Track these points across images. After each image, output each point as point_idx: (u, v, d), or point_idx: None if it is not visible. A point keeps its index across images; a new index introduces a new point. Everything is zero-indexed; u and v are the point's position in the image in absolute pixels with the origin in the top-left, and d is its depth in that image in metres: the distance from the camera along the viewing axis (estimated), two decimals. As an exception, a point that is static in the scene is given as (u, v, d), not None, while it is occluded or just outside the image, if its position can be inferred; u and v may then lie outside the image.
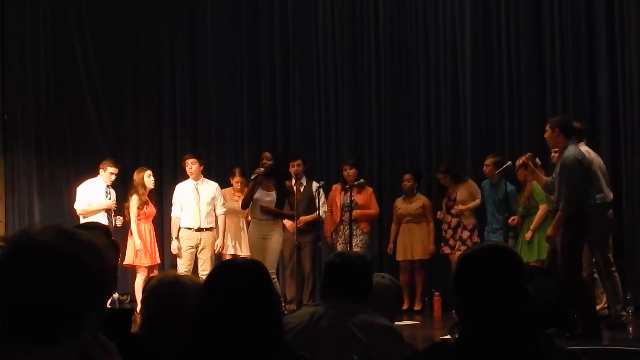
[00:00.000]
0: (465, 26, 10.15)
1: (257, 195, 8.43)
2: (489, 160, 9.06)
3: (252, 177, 8.56)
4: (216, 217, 9.32)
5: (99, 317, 1.50)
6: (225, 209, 9.31)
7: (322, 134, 10.92)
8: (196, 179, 9.35)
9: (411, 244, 9.61)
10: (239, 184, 9.57)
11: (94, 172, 9.58)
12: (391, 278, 3.89)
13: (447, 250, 9.35)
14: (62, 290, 1.43)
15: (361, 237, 9.41)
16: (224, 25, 11.56)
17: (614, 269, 7.73)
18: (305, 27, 11.10)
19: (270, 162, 8.33)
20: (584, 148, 7.61)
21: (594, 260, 7.72)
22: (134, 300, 9.49)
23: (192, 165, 9.32)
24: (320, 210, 9.35)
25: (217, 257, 9.45)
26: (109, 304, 7.91)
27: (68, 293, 1.43)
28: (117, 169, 9.51)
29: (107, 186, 9.47)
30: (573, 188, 6.95)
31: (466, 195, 9.29)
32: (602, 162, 7.81)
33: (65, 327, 1.44)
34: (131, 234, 9.30)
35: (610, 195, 7.76)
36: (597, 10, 9.43)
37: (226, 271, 2.61)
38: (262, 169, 8.36)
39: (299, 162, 9.57)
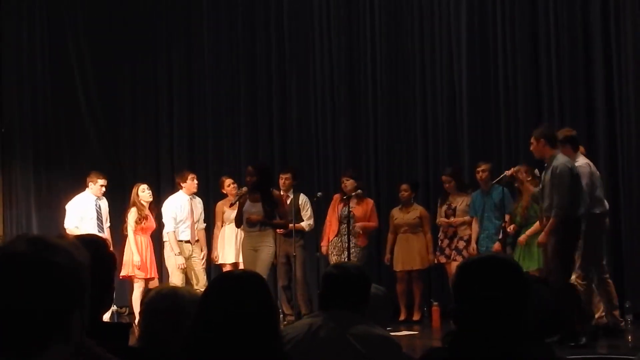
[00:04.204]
0: (461, 36, 10.17)
1: (244, 207, 8.43)
2: (484, 167, 9.06)
3: (236, 198, 8.59)
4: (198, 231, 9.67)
5: (83, 317, 1.51)
6: (204, 224, 9.72)
7: (319, 145, 10.91)
8: (192, 194, 9.56)
9: (409, 254, 9.57)
10: (232, 187, 9.72)
11: (85, 187, 9.59)
12: (375, 286, 3.87)
13: (442, 259, 9.33)
14: (42, 296, 1.44)
15: (355, 249, 9.29)
16: (221, 37, 11.57)
17: (607, 276, 7.75)
18: (301, 38, 11.11)
19: (253, 178, 8.33)
20: (584, 161, 7.64)
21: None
22: (132, 313, 9.48)
23: (196, 181, 9.61)
24: (305, 222, 9.42)
25: (217, 268, 9.48)
26: (108, 317, 7.93)
27: (48, 298, 1.45)
28: (105, 180, 9.57)
29: (97, 198, 9.48)
30: (564, 195, 6.98)
31: (465, 207, 9.29)
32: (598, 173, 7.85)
33: (51, 332, 1.45)
34: (129, 247, 9.33)
35: (607, 205, 7.80)
36: (592, 18, 9.46)
37: (225, 282, 2.61)
38: (244, 189, 8.40)
39: (288, 175, 9.60)
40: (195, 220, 9.50)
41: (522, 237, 8.45)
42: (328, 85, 10.93)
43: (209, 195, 10.80)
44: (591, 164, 7.73)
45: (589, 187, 7.55)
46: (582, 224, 7.38)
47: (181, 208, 9.43)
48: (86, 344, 1.60)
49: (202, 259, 9.52)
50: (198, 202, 9.67)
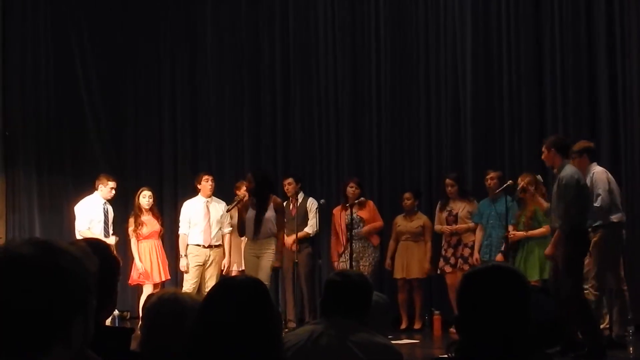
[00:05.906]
0: (466, 45, 10.18)
1: (247, 215, 8.46)
2: (493, 174, 9.04)
3: (234, 204, 8.57)
4: (222, 235, 9.49)
5: (86, 323, 1.51)
6: (230, 228, 9.44)
7: (323, 152, 10.91)
8: (209, 196, 9.46)
9: (408, 262, 9.57)
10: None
11: (93, 190, 9.59)
12: (377, 293, 3.87)
13: (448, 269, 9.31)
14: (46, 299, 1.45)
15: (373, 255, 9.41)
16: (224, 40, 11.58)
17: (625, 287, 7.73)
18: (305, 43, 11.12)
19: (251, 186, 8.36)
20: (600, 168, 7.65)
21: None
22: (137, 317, 9.48)
23: (212, 183, 9.49)
24: (308, 228, 9.45)
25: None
26: (109, 321, 7.91)
27: (51, 301, 1.45)
28: (115, 182, 9.57)
29: (105, 202, 9.47)
30: (570, 207, 6.96)
31: (466, 213, 9.28)
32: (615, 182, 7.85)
33: (53, 336, 1.45)
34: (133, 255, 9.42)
35: (624, 216, 7.79)
36: (597, 29, 9.46)
37: (226, 288, 2.61)
38: (242, 196, 8.44)
39: (289, 180, 9.65)
40: (212, 224, 9.40)
41: (519, 233, 8.43)
42: (332, 93, 10.93)
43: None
44: (607, 171, 7.74)
45: (606, 192, 7.54)
46: (600, 233, 7.39)
47: (195, 211, 9.42)
48: (86, 353, 1.59)
49: (223, 267, 9.36)
50: (218, 205, 9.54)
